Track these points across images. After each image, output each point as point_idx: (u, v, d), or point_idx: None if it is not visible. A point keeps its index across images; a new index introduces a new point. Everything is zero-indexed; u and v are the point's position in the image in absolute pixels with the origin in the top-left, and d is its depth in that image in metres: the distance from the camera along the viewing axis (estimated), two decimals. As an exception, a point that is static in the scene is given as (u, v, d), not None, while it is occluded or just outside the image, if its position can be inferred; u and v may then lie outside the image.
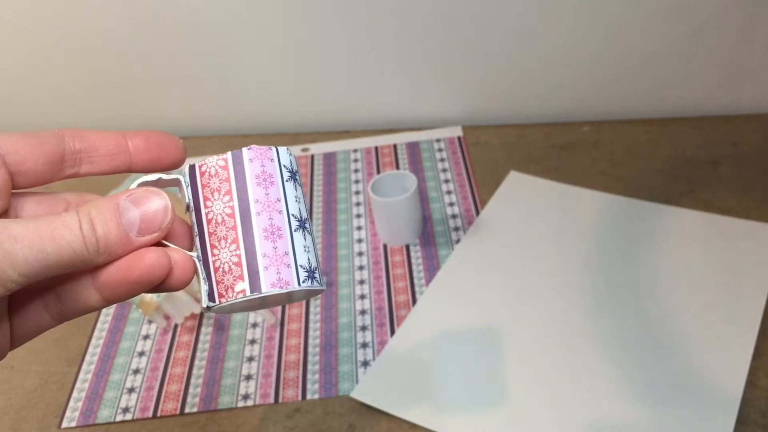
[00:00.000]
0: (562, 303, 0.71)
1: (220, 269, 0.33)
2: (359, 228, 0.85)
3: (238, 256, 0.33)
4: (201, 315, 0.76)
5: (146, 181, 0.34)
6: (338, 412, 0.65)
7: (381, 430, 0.63)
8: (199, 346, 0.73)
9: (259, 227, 0.33)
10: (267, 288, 0.32)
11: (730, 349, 0.64)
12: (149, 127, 0.36)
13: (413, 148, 0.98)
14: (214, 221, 0.33)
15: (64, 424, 0.67)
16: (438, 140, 0.99)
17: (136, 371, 0.71)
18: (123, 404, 0.68)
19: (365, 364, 0.69)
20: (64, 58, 1.02)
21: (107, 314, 0.78)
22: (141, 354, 0.73)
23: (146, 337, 0.75)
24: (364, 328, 0.72)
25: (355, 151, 0.99)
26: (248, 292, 0.32)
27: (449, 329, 0.70)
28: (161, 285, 0.32)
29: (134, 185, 0.33)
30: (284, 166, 0.34)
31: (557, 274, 0.75)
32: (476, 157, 0.95)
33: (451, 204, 0.87)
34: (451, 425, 0.61)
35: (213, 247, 0.33)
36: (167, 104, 1.06)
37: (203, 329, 0.75)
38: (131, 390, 0.70)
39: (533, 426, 0.60)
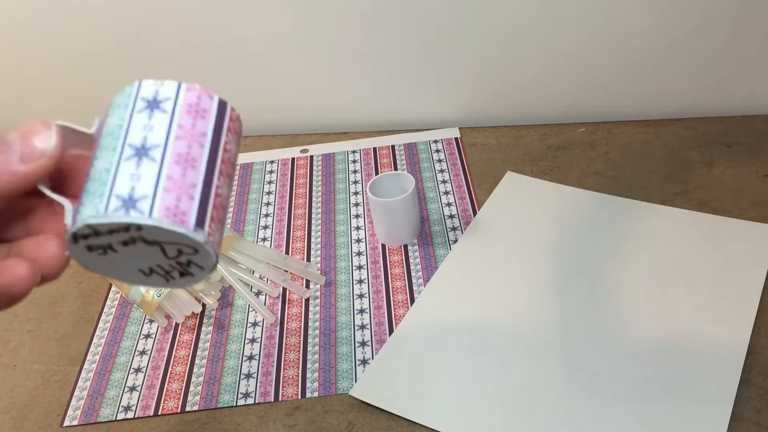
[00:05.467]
0: (558, 302, 0.72)
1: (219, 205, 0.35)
2: (358, 228, 0.86)
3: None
4: (202, 314, 0.77)
5: (62, 125, 0.32)
6: (338, 410, 0.66)
7: (380, 428, 0.63)
8: (200, 345, 0.74)
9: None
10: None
11: (724, 346, 0.65)
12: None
13: (411, 149, 0.99)
14: (229, 162, 0.36)
15: (66, 423, 0.68)
16: (435, 141, 1.00)
17: (138, 370, 0.72)
18: (124, 402, 0.69)
19: (364, 362, 0.69)
20: (63, 56, 1.02)
21: (109, 314, 0.79)
22: (142, 353, 0.74)
23: (147, 336, 0.76)
24: (362, 327, 0.73)
25: (354, 152, 1.00)
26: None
27: (447, 327, 0.71)
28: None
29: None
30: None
31: (553, 274, 0.75)
32: (473, 157, 0.96)
33: (449, 204, 0.88)
34: (450, 423, 0.62)
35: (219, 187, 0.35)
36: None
37: (204, 328, 0.75)
38: (132, 388, 0.70)
39: (530, 423, 0.61)
